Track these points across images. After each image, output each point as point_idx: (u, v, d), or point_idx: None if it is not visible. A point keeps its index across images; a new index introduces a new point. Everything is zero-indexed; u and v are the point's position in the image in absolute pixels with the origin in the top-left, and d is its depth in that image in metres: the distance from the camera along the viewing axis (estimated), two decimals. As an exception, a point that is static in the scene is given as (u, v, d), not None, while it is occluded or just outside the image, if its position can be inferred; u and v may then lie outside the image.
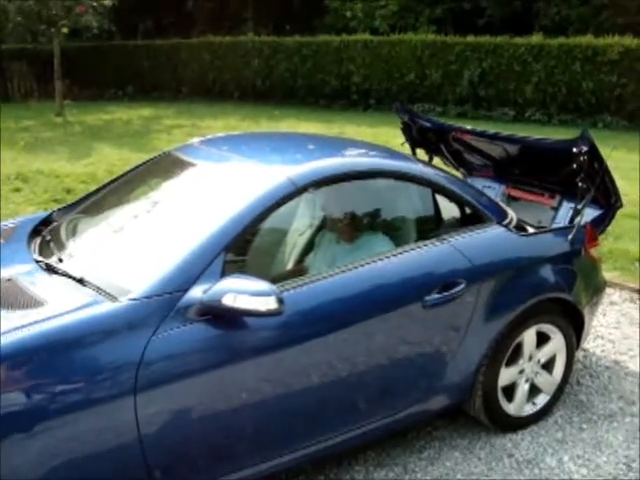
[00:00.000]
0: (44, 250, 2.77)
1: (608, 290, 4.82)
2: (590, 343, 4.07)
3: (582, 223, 3.34)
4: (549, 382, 3.19)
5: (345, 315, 2.50)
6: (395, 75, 15.07)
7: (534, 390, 3.17)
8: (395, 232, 2.97)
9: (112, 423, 2.14)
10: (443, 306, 2.67)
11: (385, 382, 2.66)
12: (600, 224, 3.63)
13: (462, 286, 2.71)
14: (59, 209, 3.42)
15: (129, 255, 2.56)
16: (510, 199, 4.20)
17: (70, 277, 2.43)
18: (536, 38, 13.57)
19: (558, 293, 3.07)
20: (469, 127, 4.13)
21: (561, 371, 3.21)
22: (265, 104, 16.02)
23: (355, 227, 2.92)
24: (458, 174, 4.58)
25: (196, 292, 2.25)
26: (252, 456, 2.41)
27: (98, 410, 2.10)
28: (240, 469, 2.38)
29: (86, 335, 2.13)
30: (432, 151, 4.49)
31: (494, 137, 3.90)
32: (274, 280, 2.42)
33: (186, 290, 2.26)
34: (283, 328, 2.37)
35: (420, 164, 3.16)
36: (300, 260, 3.04)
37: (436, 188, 2.98)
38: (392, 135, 4.43)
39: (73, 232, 2.91)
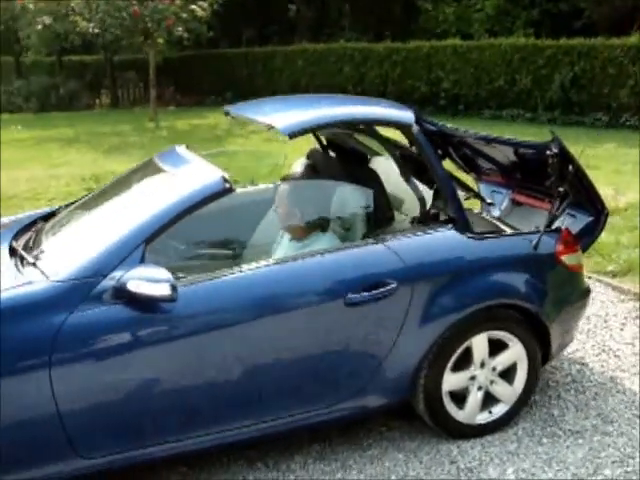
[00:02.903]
0: (28, 240, 3.07)
1: (633, 304, 4.55)
2: (592, 357, 3.86)
3: (563, 228, 3.24)
4: (508, 392, 3.08)
5: (261, 307, 2.60)
6: (484, 80, 14.73)
7: (492, 399, 3.08)
8: (344, 231, 3.02)
9: (30, 392, 2.35)
10: (368, 305, 2.68)
11: (309, 376, 2.71)
12: (592, 232, 3.47)
13: (391, 286, 2.70)
14: (65, 205, 3.74)
15: (75, 245, 2.80)
16: (514, 204, 4.09)
17: (27, 261, 2.71)
18: (634, 39, 12.77)
19: (513, 299, 2.97)
20: (465, 130, 4.04)
21: (523, 382, 3.09)
22: (354, 110, 16.14)
23: (304, 225, 2.99)
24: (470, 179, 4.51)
25: (113, 278, 2.44)
26: (163, 435, 2.56)
27: (16, 379, 2.33)
28: (149, 446, 2.54)
29: (11, 308, 2.38)
30: (441, 155, 4.43)
31: (490, 140, 3.81)
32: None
33: (105, 276, 2.46)
34: (197, 316, 2.51)
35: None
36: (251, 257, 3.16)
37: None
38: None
39: (54, 226, 3.19)
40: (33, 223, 3.41)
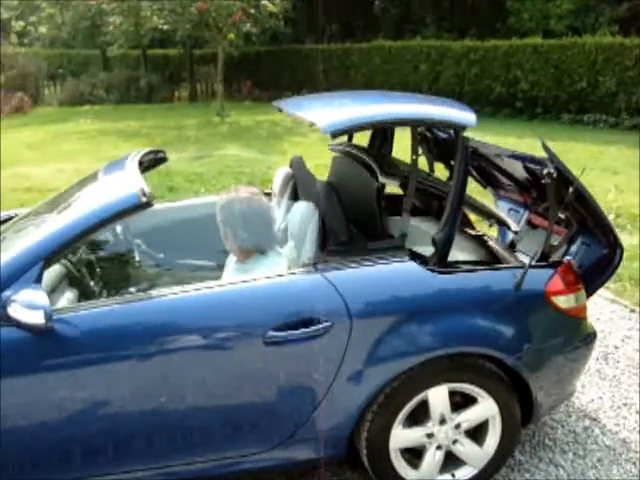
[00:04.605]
0: None
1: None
2: (608, 412, 3.30)
3: (565, 261, 2.73)
4: (476, 454, 2.61)
5: (168, 340, 2.27)
6: (565, 82, 13.81)
7: (457, 460, 2.62)
8: (294, 254, 2.65)
9: None
10: (294, 345, 2.29)
11: (223, 421, 2.36)
12: (605, 269, 2.92)
13: (324, 325, 2.30)
14: (35, 207, 3.55)
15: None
16: (530, 226, 3.58)
17: None
18: None
19: (480, 348, 2.49)
20: (479, 140, 3.55)
21: (495, 443, 2.61)
22: (428, 109, 15.54)
23: (240, 246, 2.64)
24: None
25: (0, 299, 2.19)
26: (46, 474, 2.28)
27: None
28: None
29: None
30: (452, 166, 3.96)
31: (500, 153, 3.31)
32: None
33: None
34: (89, 345, 2.22)
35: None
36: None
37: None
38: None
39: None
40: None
